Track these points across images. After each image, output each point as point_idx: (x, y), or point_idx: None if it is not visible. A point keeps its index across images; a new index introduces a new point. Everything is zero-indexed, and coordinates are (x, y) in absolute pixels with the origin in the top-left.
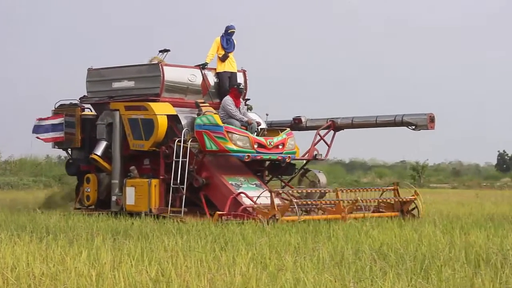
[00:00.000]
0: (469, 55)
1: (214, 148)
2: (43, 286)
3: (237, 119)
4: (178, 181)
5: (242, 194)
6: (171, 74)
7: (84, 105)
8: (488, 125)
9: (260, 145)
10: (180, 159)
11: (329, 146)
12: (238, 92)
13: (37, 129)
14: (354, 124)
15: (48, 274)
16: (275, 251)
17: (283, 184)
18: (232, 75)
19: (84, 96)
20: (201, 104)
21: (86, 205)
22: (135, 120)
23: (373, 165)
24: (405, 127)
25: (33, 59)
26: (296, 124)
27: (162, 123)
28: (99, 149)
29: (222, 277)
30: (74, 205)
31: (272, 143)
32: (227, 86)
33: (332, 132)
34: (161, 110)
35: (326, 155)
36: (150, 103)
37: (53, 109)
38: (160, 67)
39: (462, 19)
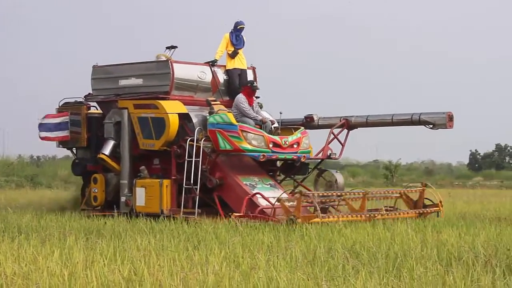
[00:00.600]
0: (436, 55)
1: (228, 147)
2: (15, 285)
3: (250, 118)
4: (192, 182)
5: (257, 195)
6: (180, 71)
7: (89, 103)
8: (460, 125)
9: (275, 145)
10: (193, 159)
11: (342, 145)
12: (251, 90)
13: (41, 128)
14: (368, 123)
15: (20, 273)
16: (248, 250)
17: (295, 184)
18: (242, 72)
19: (89, 94)
20: (212, 102)
21: (93, 206)
22: (145, 119)
23: (346, 164)
24: (422, 126)
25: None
26: (308, 123)
27: (174, 122)
28: (107, 149)
29: (195, 276)
30: (80, 206)
31: (287, 142)
32: (237, 84)
33: (345, 131)
34: (172, 109)
35: (340, 154)
36: (161, 101)
37: (57, 107)
38: (170, 64)
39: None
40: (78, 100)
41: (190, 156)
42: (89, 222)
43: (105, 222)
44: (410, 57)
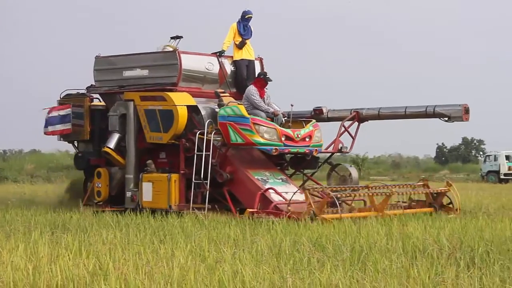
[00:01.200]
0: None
1: (239, 140)
2: None
3: (262, 110)
4: (202, 176)
5: (270, 190)
6: (188, 62)
7: (92, 95)
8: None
9: (288, 138)
10: (204, 153)
11: (353, 139)
12: (264, 82)
13: (47, 123)
14: (381, 115)
15: None
16: (214, 243)
17: (305, 178)
18: (250, 63)
19: (92, 85)
20: (221, 94)
21: (97, 201)
22: (152, 111)
23: None
24: (437, 119)
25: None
26: (317, 115)
27: (182, 114)
28: (112, 142)
29: (160, 270)
30: (83, 201)
31: (299, 136)
32: (245, 75)
33: (356, 124)
34: (181, 101)
35: (351, 147)
36: (169, 93)
37: (59, 99)
38: (177, 54)
39: None
40: (81, 92)
41: (199, 149)
42: (55, 217)
43: (71, 216)
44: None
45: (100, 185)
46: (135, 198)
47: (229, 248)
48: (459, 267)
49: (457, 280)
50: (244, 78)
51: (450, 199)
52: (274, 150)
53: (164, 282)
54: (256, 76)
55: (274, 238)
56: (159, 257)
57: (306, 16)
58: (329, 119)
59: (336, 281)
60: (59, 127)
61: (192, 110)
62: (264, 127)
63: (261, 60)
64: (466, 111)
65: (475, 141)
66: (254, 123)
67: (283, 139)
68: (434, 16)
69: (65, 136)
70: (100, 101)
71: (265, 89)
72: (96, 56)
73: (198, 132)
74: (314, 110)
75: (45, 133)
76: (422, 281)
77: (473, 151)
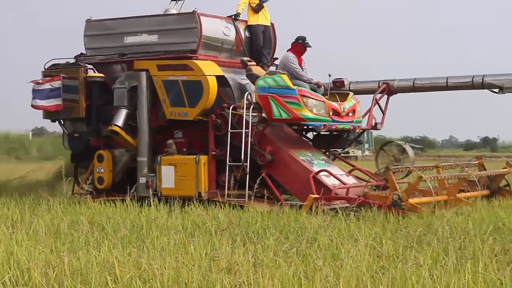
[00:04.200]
0: None
1: (284, 116)
2: None
3: (304, 81)
4: (242, 158)
5: (323, 172)
6: (208, 26)
7: (86, 65)
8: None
9: (335, 112)
10: (243, 130)
11: (383, 113)
12: (302, 48)
13: (34, 95)
14: (416, 87)
15: None
16: None
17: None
18: (266, 29)
19: (82, 54)
20: (249, 63)
21: (100, 188)
22: (174, 83)
23: None
24: (486, 90)
25: None
26: (337, 88)
27: (213, 86)
28: (120, 119)
29: None
30: (77, 188)
31: (345, 110)
32: (261, 42)
33: (385, 97)
34: (210, 70)
35: (382, 123)
36: (196, 61)
37: (44, 70)
38: (197, 16)
39: None
40: (70, 61)
41: (232, 127)
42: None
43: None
44: None
45: (102, 170)
46: (152, 185)
47: (6, 229)
48: (235, 242)
49: (232, 255)
50: (261, 45)
51: (508, 182)
52: (323, 126)
53: None
54: (294, 40)
55: (53, 218)
56: None
57: None
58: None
59: (113, 259)
60: (49, 101)
61: (220, 81)
62: (313, 100)
63: (272, 25)
64: None
65: None
66: (302, 95)
67: (331, 113)
68: None
69: (53, 114)
70: (95, 72)
71: (302, 57)
72: (87, 20)
73: (232, 107)
74: (334, 82)
75: (33, 106)
76: (199, 256)
77: None
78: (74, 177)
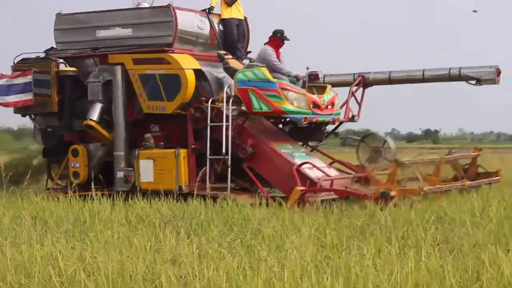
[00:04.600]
0: None
1: (265, 109)
2: None
3: (283, 74)
4: (224, 151)
5: (306, 165)
6: (183, 20)
7: (58, 59)
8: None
9: (315, 105)
10: (224, 124)
11: (360, 106)
12: (280, 42)
13: (1, 91)
14: (392, 80)
15: None
16: None
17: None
18: (240, 23)
19: (52, 48)
20: (225, 56)
21: (76, 183)
22: (151, 77)
23: None
24: (462, 82)
25: None
26: (312, 81)
27: (191, 79)
28: (94, 113)
29: None
30: (50, 183)
31: (324, 102)
32: (235, 36)
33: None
34: (188, 64)
35: (358, 115)
36: (173, 55)
37: (13, 64)
38: (172, 10)
39: None
40: (40, 55)
41: (211, 120)
42: None
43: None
44: None
45: (77, 165)
46: (130, 179)
47: None
48: (179, 235)
49: (177, 247)
50: (235, 39)
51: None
52: (304, 119)
53: None
54: (272, 34)
55: None
56: None
57: None
58: None
59: (56, 252)
60: (18, 97)
61: (197, 75)
62: (293, 93)
63: (245, 19)
64: (498, 73)
65: None
66: (282, 88)
67: (311, 106)
68: None
69: (23, 109)
70: (66, 66)
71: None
72: (57, 13)
73: (210, 100)
74: (309, 75)
75: (1, 104)
76: (143, 248)
77: None
78: (47, 172)
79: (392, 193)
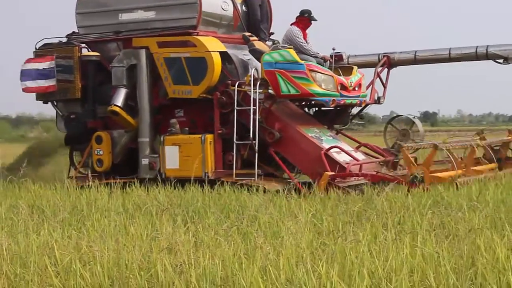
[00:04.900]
0: None
1: (293, 91)
2: None
3: (310, 55)
4: (251, 136)
5: (334, 149)
6: (207, 1)
7: (80, 44)
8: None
9: (343, 87)
10: (251, 108)
11: (385, 87)
12: (308, 22)
13: (24, 76)
14: (417, 59)
15: None
16: None
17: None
18: (263, 3)
19: (74, 32)
20: (251, 38)
21: (100, 171)
22: (176, 60)
23: (41, 120)
24: (489, 61)
25: None
26: (336, 62)
27: (217, 62)
28: (119, 99)
29: None
30: (73, 171)
31: (352, 84)
32: (259, 17)
33: (385, 70)
34: (213, 46)
35: (383, 97)
36: (199, 37)
37: (35, 50)
38: None
39: None
40: (62, 40)
41: (238, 104)
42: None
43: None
44: None
45: (101, 152)
46: (155, 166)
47: None
48: (175, 223)
49: (173, 235)
50: (258, 19)
51: None
52: (331, 102)
53: None
54: (299, 14)
55: None
56: None
57: None
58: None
59: (53, 242)
60: (41, 82)
61: (223, 57)
62: (321, 75)
63: (268, 0)
64: None
65: None
66: (310, 70)
67: (339, 88)
68: None
69: (46, 95)
70: (89, 51)
71: (306, 31)
72: None
73: (237, 83)
74: (332, 56)
75: (23, 90)
76: (139, 237)
77: None
78: (70, 160)
79: (425, 178)
